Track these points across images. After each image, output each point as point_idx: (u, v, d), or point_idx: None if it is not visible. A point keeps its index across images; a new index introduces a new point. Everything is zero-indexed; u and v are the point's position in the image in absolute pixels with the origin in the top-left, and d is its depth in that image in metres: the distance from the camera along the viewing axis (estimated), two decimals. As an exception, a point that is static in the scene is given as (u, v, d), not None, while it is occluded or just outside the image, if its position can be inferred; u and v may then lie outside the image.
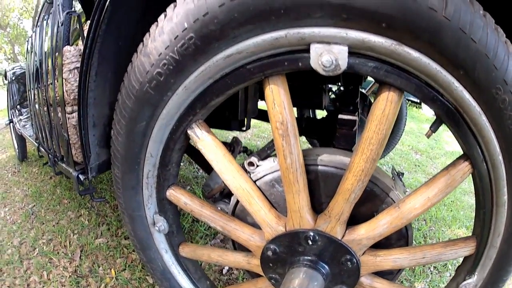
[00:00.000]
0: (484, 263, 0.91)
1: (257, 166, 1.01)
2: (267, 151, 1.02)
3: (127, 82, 0.91)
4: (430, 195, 0.85)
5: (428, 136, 0.94)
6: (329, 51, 0.70)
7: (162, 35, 0.80)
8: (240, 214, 1.08)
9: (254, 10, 0.68)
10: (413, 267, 2.11)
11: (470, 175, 0.85)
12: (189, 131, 0.94)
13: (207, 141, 0.94)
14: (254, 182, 1.00)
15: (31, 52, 2.07)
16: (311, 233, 0.93)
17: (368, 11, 0.63)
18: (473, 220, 0.94)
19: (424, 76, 0.71)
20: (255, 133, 5.25)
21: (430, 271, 2.15)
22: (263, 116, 2.25)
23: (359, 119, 1.46)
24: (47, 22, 1.65)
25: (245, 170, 1.01)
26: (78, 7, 1.41)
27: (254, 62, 0.78)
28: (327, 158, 0.96)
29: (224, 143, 1.31)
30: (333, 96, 3.13)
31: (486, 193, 0.83)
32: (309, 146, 3.96)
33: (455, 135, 0.80)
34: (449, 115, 0.75)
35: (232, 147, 1.31)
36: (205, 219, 1.06)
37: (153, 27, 0.84)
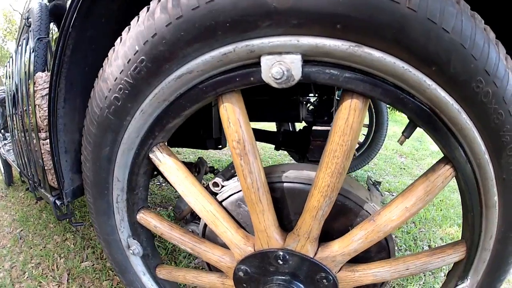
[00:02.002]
0: (477, 266, 0.87)
1: (222, 186, 0.99)
2: (231, 171, 1.01)
3: (90, 108, 0.90)
4: (408, 205, 0.80)
5: (401, 142, 0.90)
6: (280, 62, 0.66)
7: (117, 60, 0.79)
8: (210, 235, 1.06)
9: (199, 26, 0.65)
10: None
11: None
12: (150, 155, 0.93)
13: (168, 164, 0.93)
14: (220, 202, 0.98)
15: (10, 77, 2.06)
16: (281, 253, 0.90)
17: (319, 13, 0.58)
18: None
19: (390, 78, 0.65)
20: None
21: (423, 273, 2.12)
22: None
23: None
24: (22, 47, 1.65)
25: (211, 191, 0.99)
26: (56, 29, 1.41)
27: (206, 80, 0.76)
28: (293, 174, 0.93)
29: (189, 164, 1.30)
30: (311, 107, 3.14)
31: (473, 195, 0.77)
32: (291, 159, 3.98)
33: (433, 138, 0.74)
34: (423, 117, 0.69)
35: (198, 168, 1.30)
36: (175, 242, 1.04)
37: (111, 51, 0.83)
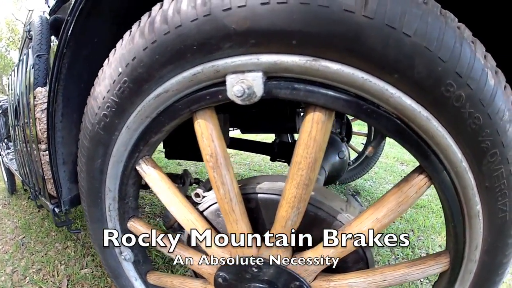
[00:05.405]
0: (463, 278, 0.83)
1: (203, 197, 1.04)
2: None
3: (84, 123, 0.97)
4: (379, 216, 0.78)
5: (370, 153, 0.94)
6: (242, 80, 0.68)
7: (105, 80, 0.85)
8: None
9: (171, 50, 0.70)
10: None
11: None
12: (137, 167, 0.99)
13: (153, 176, 0.99)
14: (201, 212, 1.02)
15: (12, 88, 2.12)
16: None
17: (274, 31, 0.60)
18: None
19: (351, 88, 0.64)
20: (237, 161, 5.25)
21: (420, 281, 2.09)
22: (238, 144, 2.24)
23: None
24: (23, 61, 1.71)
25: (193, 202, 1.04)
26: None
27: (181, 99, 0.80)
28: (267, 186, 0.97)
29: (175, 176, 1.37)
30: None
31: (452, 205, 0.74)
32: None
33: (405, 148, 0.70)
34: (391, 127, 0.67)
35: (183, 179, 1.36)
36: (163, 249, 1.09)
37: (100, 71, 0.89)
